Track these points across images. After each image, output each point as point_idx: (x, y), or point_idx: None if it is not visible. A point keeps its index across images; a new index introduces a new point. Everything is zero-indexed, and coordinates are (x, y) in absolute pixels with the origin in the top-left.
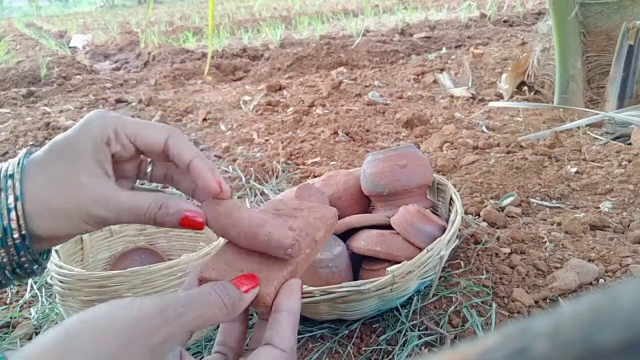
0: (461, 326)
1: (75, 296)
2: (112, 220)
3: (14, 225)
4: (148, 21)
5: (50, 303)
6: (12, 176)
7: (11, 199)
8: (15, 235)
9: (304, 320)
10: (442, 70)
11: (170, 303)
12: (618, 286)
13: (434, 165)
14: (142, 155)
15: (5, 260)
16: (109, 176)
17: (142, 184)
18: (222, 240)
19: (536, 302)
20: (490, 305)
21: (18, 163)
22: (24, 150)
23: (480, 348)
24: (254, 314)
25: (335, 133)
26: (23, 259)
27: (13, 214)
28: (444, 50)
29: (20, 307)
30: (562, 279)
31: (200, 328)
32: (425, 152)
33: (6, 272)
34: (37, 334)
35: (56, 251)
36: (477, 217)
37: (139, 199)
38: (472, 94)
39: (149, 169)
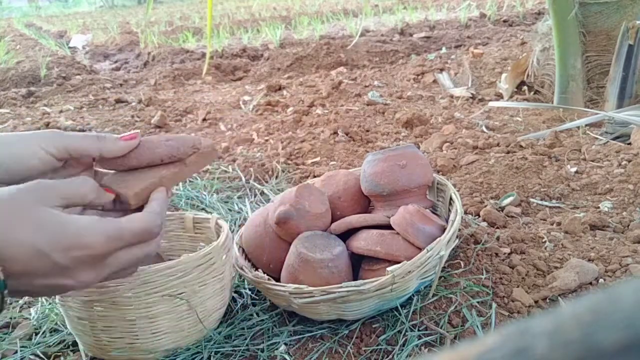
0: (461, 326)
1: (75, 296)
2: (57, 153)
3: None
4: (148, 21)
5: (50, 303)
6: None
7: None
8: None
9: (304, 320)
10: (441, 70)
11: (49, 184)
12: (618, 286)
13: (433, 165)
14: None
15: None
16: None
17: None
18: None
19: (536, 302)
20: (490, 305)
21: None
22: None
23: (480, 348)
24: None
25: (335, 133)
26: None
27: None
28: (443, 50)
29: (20, 307)
30: (562, 278)
31: (71, 200)
32: (425, 152)
33: None
34: (37, 334)
35: None
36: (477, 217)
37: (82, 134)
38: (471, 93)
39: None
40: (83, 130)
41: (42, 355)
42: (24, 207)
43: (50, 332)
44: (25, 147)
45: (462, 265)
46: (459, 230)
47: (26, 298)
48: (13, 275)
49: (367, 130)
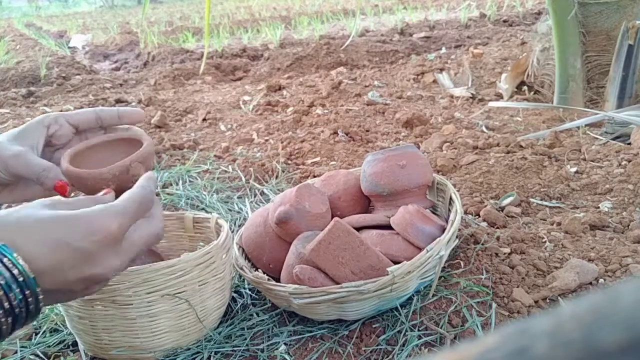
0: (461, 326)
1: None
2: (17, 172)
3: None
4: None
5: None
6: None
7: None
8: None
9: (304, 320)
10: (441, 70)
11: (56, 198)
12: (618, 286)
13: (433, 165)
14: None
15: None
16: (33, 149)
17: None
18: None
19: (536, 302)
20: (490, 305)
21: None
22: None
23: (480, 348)
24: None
25: (335, 133)
26: None
27: None
28: (443, 50)
29: None
30: (562, 278)
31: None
32: (425, 152)
33: None
34: (37, 334)
35: None
36: (477, 217)
37: (39, 161)
38: (471, 93)
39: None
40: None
41: (42, 355)
42: (35, 212)
43: (50, 332)
44: None
45: (462, 265)
46: (459, 230)
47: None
48: (42, 272)
49: (367, 130)
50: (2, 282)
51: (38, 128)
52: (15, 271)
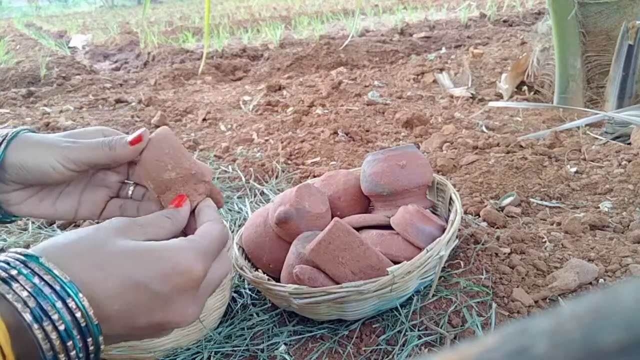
0: (461, 326)
1: None
2: (79, 160)
3: None
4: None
5: None
6: (5, 135)
7: None
8: None
9: (304, 320)
10: (441, 70)
11: (129, 221)
12: (618, 286)
13: (433, 165)
14: (126, 180)
15: None
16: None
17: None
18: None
19: (536, 302)
20: (490, 305)
21: (14, 131)
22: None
23: (480, 348)
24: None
25: (335, 133)
26: None
27: None
28: (443, 50)
29: None
30: (562, 279)
31: (156, 238)
32: (425, 152)
33: None
34: None
35: None
36: (477, 217)
37: (97, 139)
38: (471, 93)
39: (130, 190)
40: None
41: None
42: (108, 241)
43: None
44: (44, 155)
45: (462, 265)
46: (459, 230)
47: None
48: (108, 316)
49: (367, 130)
50: (62, 327)
51: (97, 134)
52: (79, 314)
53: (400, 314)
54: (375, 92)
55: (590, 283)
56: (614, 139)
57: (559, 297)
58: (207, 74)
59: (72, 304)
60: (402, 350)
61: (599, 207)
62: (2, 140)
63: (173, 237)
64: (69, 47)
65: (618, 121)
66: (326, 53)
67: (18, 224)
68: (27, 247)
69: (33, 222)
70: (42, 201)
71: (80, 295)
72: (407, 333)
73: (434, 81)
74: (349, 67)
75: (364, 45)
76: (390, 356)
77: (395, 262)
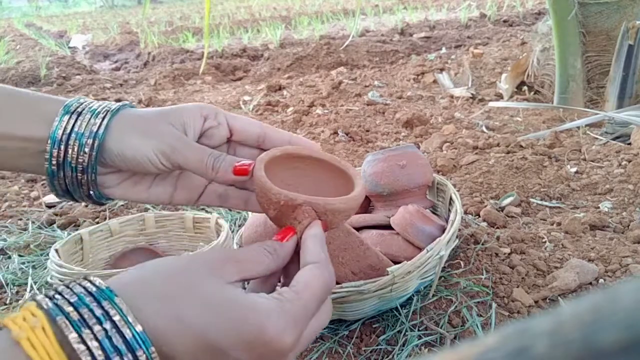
0: (461, 326)
1: None
2: (177, 163)
3: (87, 149)
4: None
5: None
6: (107, 110)
7: (97, 126)
8: (86, 153)
9: None
10: (442, 70)
11: (225, 255)
12: (618, 286)
13: (434, 165)
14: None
15: (71, 175)
16: (187, 135)
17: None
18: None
19: (536, 302)
20: (490, 306)
21: (116, 105)
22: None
23: (480, 348)
24: None
25: (335, 133)
26: (84, 178)
27: (90, 140)
28: (443, 50)
29: (20, 307)
30: (562, 279)
31: (253, 275)
32: (425, 152)
33: (76, 189)
34: None
35: (56, 251)
36: (477, 217)
37: (204, 148)
38: (472, 94)
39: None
40: None
41: None
42: (196, 281)
43: None
44: (144, 148)
45: (462, 265)
46: (459, 230)
47: (26, 297)
48: None
49: (367, 130)
50: None
51: (195, 116)
52: None
53: (400, 314)
54: (375, 92)
55: (590, 283)
56: (614, 139)
57: (559, 297)
58: (207, 74)
59: (142, 357)
60: (402, 350)
61: (599, 207)
62: (104, 117)
63: (273, 274)
64: (69, 47)
65: (618, 121)
66: (326, 53)
67: (18, 223)
68: (27, 246)
69: (33, 222)
70: (136, 185)
71: (153, 349)
72: (407, 333)
73: (434, 81)
74: (349, 67)
75: (364, 45)
76: (390, 356)
77: (396, 262)
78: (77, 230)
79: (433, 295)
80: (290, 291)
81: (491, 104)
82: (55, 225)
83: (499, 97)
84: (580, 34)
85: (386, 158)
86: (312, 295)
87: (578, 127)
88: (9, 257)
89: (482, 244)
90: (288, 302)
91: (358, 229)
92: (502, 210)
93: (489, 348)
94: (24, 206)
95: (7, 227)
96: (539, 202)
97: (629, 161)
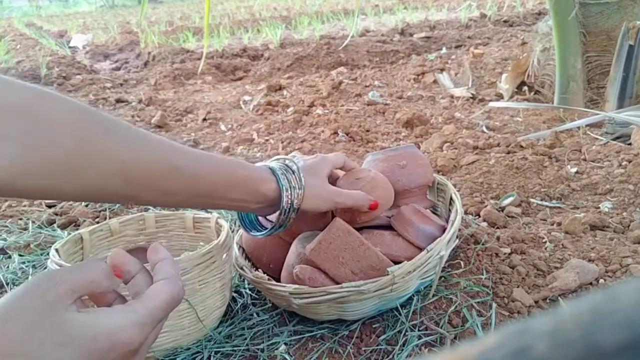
0: (461, 326)
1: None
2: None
3: (296, 202)
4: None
5: None
6: (299, 170)
7: (299, 185)
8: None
9: (304, 320)
10: (442, 70)
11: (58, 272)
12: (618, 286)
13: (434, 165)
14: None
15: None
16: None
17: None
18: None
19: (536, 302)
20: (490, 306)
21: (297, 166)
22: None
23: (480, 348)
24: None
25: (335, 133)
26: (286, 220)
27: (299, 193)
28: (444, 50)
29: None
30: (562, 279)
31: (86, 291)
32: (425, 152)
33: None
34: None
35: (56, 250)
36: (477, 217)
37: (357, 194)
38: (472, 94)
39: None
40: None
41: None
42: (34, 318)
43: None
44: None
45: (462, 265)
46: (459, 230)
47: None
48: None
49: (367, 130)
50: None
51: (327, 164)
52: None
53: (400, 314)
54: (375, 92)
55: (591, 283)
56: (614, 140)
57: (559, 297)
58: (207, 73)
59: None
60: (402, 350)
61: (599, 208)
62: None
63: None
64: (70, 47)
65: (618, 121)
66: (326, 53)
67: (18, 223)
68: (27, 246)
69: (33, 222)
70: None
71: None
72: (407, 333)
73: (435, 81)
74: (349, 67)
75: (364, 45)
76: (390, 356)
77: (396, 262)
78: (77, 229)
79: (433, 295)
80: (138, 301)
81: (491, 104)
82: (55, 225)
83: (499, 97)
84: (580, 34)
85: (386, 158)
86: (159, 306)
87: (578, 127)
88: (9, 257)
89: (483, 244)
90: (131, 310)
91: (358, 229)
92: (503, 211)
93: (489, 348)
94: (24, 206)
95: (7, 226)
96: (539, 202)
97: (629, 161)
